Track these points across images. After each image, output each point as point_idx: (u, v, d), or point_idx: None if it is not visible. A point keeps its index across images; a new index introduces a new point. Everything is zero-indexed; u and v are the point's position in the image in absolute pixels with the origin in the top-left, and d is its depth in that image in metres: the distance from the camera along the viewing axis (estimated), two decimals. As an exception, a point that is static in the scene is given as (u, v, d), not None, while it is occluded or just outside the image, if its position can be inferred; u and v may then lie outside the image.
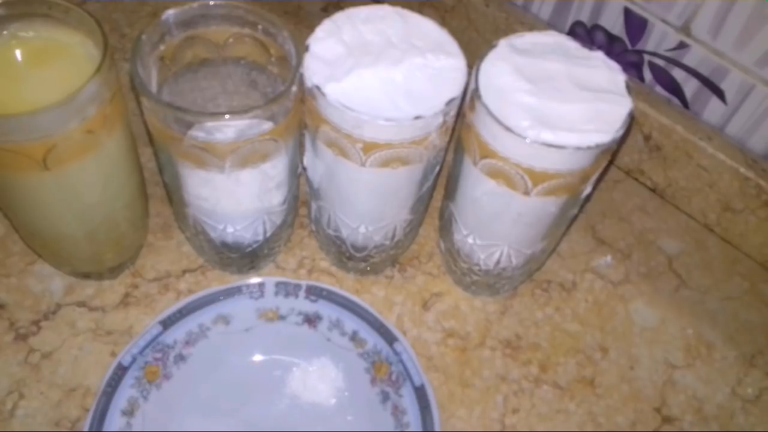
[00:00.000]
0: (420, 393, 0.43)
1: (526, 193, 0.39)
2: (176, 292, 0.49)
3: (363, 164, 0.39)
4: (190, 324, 0.45)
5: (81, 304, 0.48)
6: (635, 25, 0.54)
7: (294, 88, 0.38)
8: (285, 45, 0.40)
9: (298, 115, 0.41)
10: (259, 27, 0.41)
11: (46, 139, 0.36)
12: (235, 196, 0.42)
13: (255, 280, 0.46)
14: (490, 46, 0.41)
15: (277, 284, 0.46)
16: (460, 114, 0.41)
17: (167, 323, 0.45)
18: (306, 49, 0.39)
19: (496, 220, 0.43)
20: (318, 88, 0.38)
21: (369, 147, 0.38)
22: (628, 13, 0.54)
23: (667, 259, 0.55)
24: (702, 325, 0.52)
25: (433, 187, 0.46)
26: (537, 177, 0.38)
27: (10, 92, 0.38)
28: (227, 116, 0.36)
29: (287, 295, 0.46)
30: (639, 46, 0.55)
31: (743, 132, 0.53)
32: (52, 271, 0.49)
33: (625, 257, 0.55)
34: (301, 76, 0.39)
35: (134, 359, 0.43)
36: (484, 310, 0.51)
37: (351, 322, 0.46)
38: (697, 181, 0.55)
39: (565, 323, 0.51)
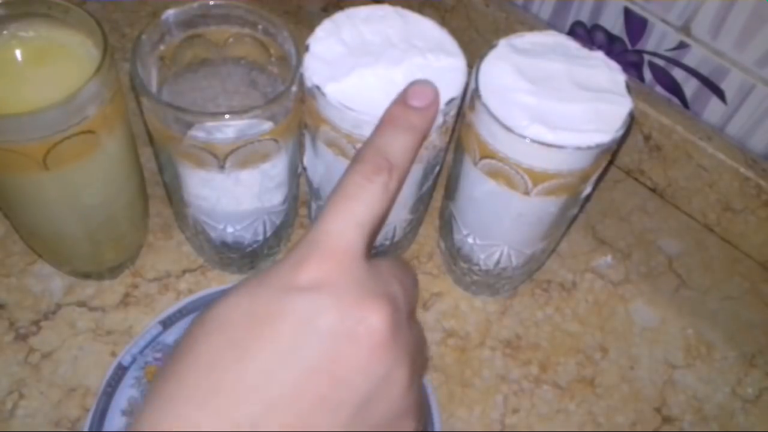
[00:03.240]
0: (420, 393, 0.43)
1: (526, 193, 0.39)
2: (176, 292, 0.49)
3: (363, 164, 0.39)
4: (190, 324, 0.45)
5: (81, 304, 0.48)
6: (635, 25, 0.54)
7: (294, 88, 0.38)
8: (285, 45, 0.40)
9: (298, 115, 0.41)
10: (259, 27, 0.41)
11: (46, 139, 0.36)
12: (235, 196, 0.42)
13: (255, 280, 0.46)
14: (490, 46, 0.41)
15: (277, 284, 0.46)
16: (460, 114, 0.40)
17: (167, 323, 0.45)
18: (306, 49, 0.39)
19: (496, 220, 0.43)
20: (318, 88, 0.38)
21: (369, 147, 0.38)
22: (628, 13, 0.54)
23: (667, 259, 0.55)
24: (702, 325, 0.52)
25: (433, 187, 0.46)
26: (537, 177, 0.38)
27: (10, 92, 0.38)
28: (227, 116, 0.36)
29: (287, 295, 0.46)
30: (639, 46, 0.55)
31: (743, 132, 0.53)
32: (52, 271, 0.49)
33: (625, 257, 0.55)
34: (301, 76, 0.39)
35: (134, 359, 0.43)
36: (484, 310, 0.51)
37: (351, 322, 0.46)
38: (697, 181, 0.55)
39: (565, 323, 0.51)
